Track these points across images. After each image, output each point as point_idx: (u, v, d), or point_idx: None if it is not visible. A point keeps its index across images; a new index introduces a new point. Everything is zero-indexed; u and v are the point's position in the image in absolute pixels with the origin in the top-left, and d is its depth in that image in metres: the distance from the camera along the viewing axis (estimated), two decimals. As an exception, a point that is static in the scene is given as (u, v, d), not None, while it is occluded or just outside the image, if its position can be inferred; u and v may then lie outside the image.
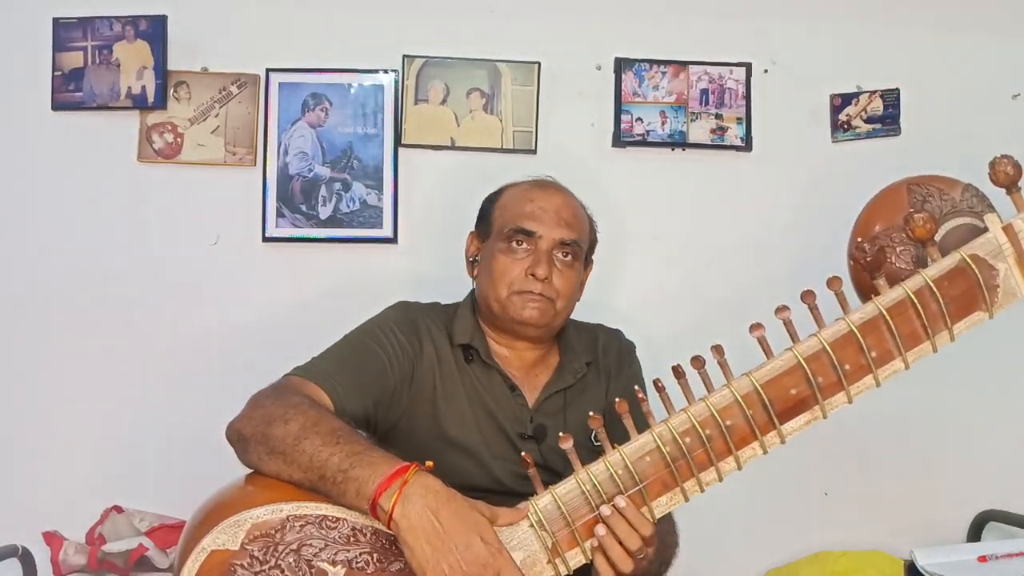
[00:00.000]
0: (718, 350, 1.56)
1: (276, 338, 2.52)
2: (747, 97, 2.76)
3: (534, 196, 1.99)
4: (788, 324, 1.53)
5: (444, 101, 2.70)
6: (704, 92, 2.75)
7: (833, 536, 2.67)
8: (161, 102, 2.62)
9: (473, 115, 2.70)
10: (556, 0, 2.75)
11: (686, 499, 1.59)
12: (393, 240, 2.67)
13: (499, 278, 1.95)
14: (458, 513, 1.50)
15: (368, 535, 1.53)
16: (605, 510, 1.54)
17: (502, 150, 2.70)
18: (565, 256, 1.98)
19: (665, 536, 1.76)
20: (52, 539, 2.48)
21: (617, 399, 1.57)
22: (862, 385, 1.55)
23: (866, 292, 1.61)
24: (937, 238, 1.52)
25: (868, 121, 2.77)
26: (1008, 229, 1.52)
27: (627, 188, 2.73)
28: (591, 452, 1.61)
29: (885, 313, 1.52)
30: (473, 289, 2.10)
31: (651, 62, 2.75)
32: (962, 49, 2.80)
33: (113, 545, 2.44)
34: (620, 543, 1.54)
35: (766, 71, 2.78)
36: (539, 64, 2.71)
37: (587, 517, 1.57)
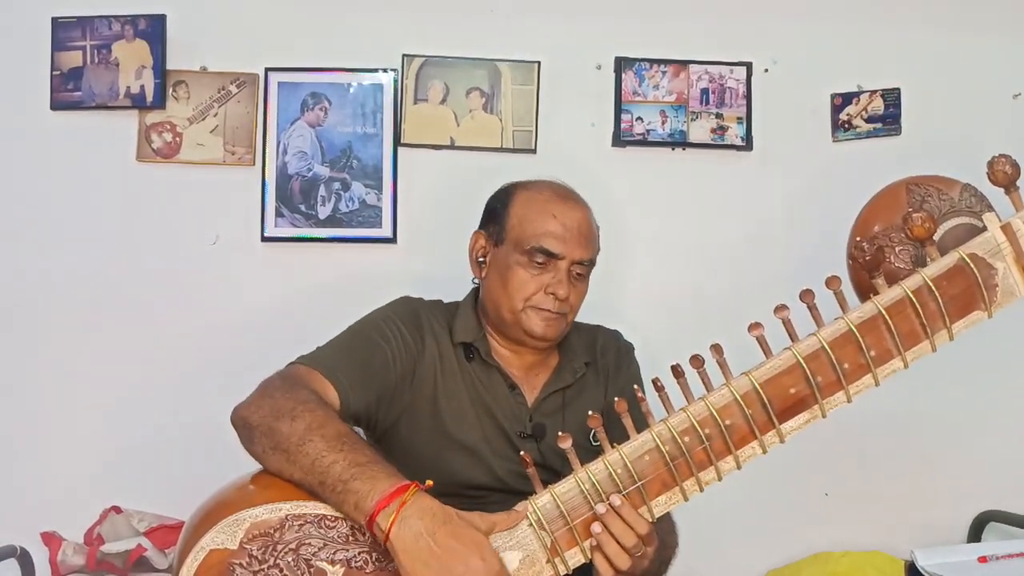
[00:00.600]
0: (717, 349, 1.56)
1: (275, 338, 2.50)
2: (748, 96, 2.75)
3: (555, 211, 1.96)
4: (787, 323, 1.53)
5: (444, 101, 2.70)
6: (704, 91, 2.75)
7: (833, 536, 2.68)
8: (160, 102, 2.62)
9: (473, 115, 2.70)
10: (556, 0, 2.75)
11: (685, 498, 1.58)
12: (392, 240, 2.67)
13: (515, 292, 1.93)
14: (455, 534, 1.49)
15: (367, 534, 1.53)
16: (600, 508, 1.54)
17: (502, 150, 2.70)
18: (580, 273, 1.98)
19: (665, 536, 1.76)
20: (51, 539, 2.48)
21: (616, 398, 1.57)
22: (861, 384, 1.54)
23: (865, 291, 1.61)
24: (936, 237, 1.52)
25: (869, 121, 2.77)
26: (1007, 228, 1.51)
27: (627, 188, 2.73)
28: (590, 452, 1.61)
29: (884, 312, 1.52)
30: (476, 288, 2.09)
31: (651, 61, 2.75)
32: (962, 49, 2.80)
33: (112, 545, 2.45)
34: (616, 540, 1.54)
35: (767, 70, 2.77)
36: (539, 64, 2.71)
37: (586, 516, 1.56)
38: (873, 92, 2.77)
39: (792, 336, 1.54)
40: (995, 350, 2.65)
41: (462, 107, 2.70)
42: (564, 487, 1.57)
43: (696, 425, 1.55)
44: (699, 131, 2.74)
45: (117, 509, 2.53)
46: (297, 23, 2.68)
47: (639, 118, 2.73)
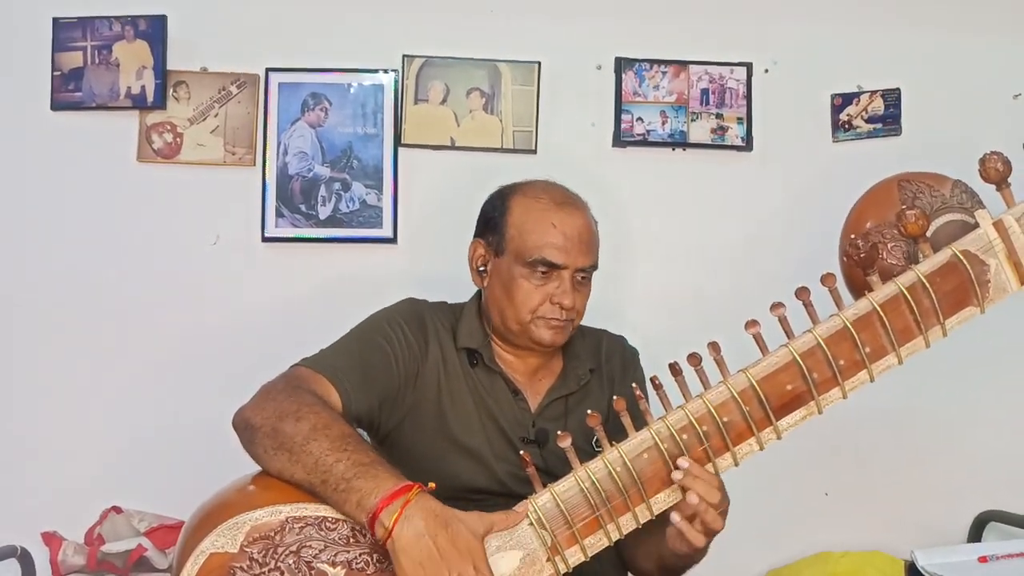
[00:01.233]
0: (714, 347, 1.57)
1: (276, 338, 2.50)
2: (748, 97, 2.76)
3: (555, 219, 1.93)
4: (783, 321, 1.54)
5: (444, 101, 2.70)
6: (705, 92, 2.75)
7: (833, 536, 2.67)
8: (160, 102, 2.63)
9: (473, 115, 2.70)
10: (556, 0, 2.75)
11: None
12: (393, 240, 2.68)
13: (521, 304, 1.92)
14: (455, 539, 1.49)
15: (367, 536, 1.53)
16: (677, 475, 1.55)
17: (502, 150, 2.70)
18: (583, 278, 1.97)
19: None
20: (51, 539, 2.48)
21: (615, 397, 1.57)
22: (857, 381, 1.55)
23: (858, 288, 1.61)
24: (928, 234, 1.53)
25: (869, 121, 2.77)
26: (998, 225, 1.52)
27: (627, 188, 2.73)
28: (591, 456, 1.60)
29: (879, 309, 1.52)
30: (478, 293, 2.07)
31: (651, 62, 2.75)
32: (962, 49, 2.80)
33: (112, 545, 2.45)
34: (706, 500, 1.56)
35: (767, 71, 2.78)
36: (539, 64, 2.71)
37: (586, 515, 1.56)
38: (873, 92, 2.77)
39: (788, 333, 1.55)
40: (997, 352, 2.66)
41: (462, 107, 2.70)
42: (564, 486, 1.57)
43: (694, 422, 1.56)
44: (699, 131, 2.74)
45: (117, 509, 2.53)
46: (298, 23, 2.69)
47: (639, 118, 2.73)
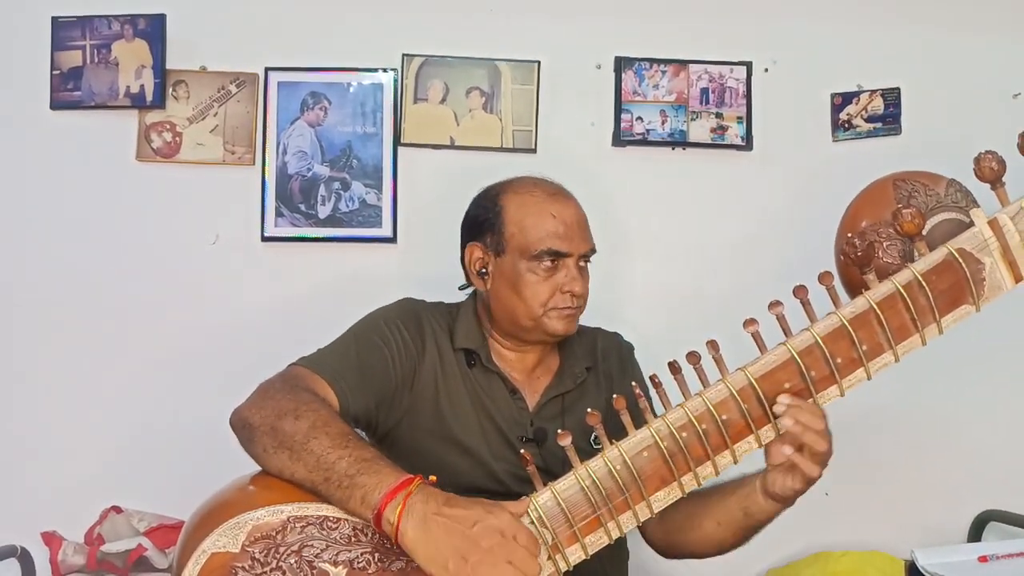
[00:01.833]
0: (713, 345, 1.57)
1: (275, 337, 2.49)
2: (748, 96, 2.75)
3: (553, 209, 1.95)
4: (781, 319, 1.55)
5: (443, 100, 2.70)
6: (704, 91, 2.75)
7: (833, 536, 2.67)
8: (160, 101, 2.63)
9: (473, 114, 2.70)
10: (556, 0, 2.75)
11: (684, 493, 1.59)
12: (392, 239, 2.68)
13: (532, 300, 1.92)
14: (459, 504, 1.50)
15: (369, 535, 1.53)
16: (780, 407, 1.54)
17: (502, 149, 2.70)
18: (585, 263, 2.00)
19: None
20: (51, 539, 2.48)
21: (615, 396, 1.57)
22: (854, 378, 1.56)
23: (854, 287, 1.62)
24: (924, 233, 1.53)
25: (869, 120, 2.77)
26: (993, 223, 1.53)
27: (627, 187, 2.73)
28: (590, 455, 1.60)
29: (876, 307, 1.53)
30: (474, 293, 2.08)
31: (651, 61, 2.75)
32: (962, 49, 2.80)
33: (112, 545, 2.45)
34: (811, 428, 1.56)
35: (767, 70, 2.77)
36: (539, 63, 2.71)
37: (587, 513, 1.56)
38: (873, 92, 2.77)
39: (786, 331, 1.56)
40: (997, 352, 2.66)
41: (462, 107, 2.70)
42: (564, 484, 1.57)
43: (694, 420, 1.56)
44: (699, 131, 2.74)
45: (117, 509, 2.53)
46: (297, 23, 2.69)
47: (639, 118, 2.73)
